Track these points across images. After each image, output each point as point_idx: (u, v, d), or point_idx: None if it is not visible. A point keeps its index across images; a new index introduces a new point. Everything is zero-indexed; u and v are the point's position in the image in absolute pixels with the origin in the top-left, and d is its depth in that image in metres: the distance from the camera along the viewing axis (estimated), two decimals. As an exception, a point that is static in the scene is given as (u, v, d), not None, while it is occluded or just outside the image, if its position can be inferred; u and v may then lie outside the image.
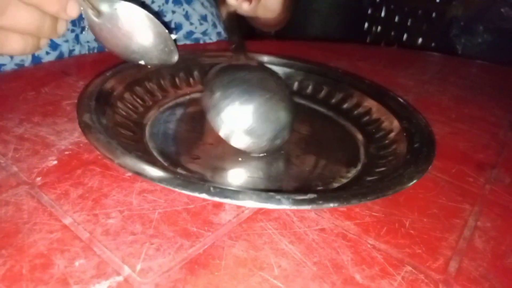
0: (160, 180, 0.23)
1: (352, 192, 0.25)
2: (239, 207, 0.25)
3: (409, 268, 0.23)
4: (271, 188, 0.29)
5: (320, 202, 0.23)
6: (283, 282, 0.20)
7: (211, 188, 0.23)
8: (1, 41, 0.31)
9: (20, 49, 0.32)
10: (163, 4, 0.55)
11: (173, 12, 0.57)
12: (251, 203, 0.23)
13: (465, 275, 0.23)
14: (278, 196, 0.23)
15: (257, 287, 0.20)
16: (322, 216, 0.25)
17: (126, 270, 0.20)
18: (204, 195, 0.23)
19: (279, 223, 0.24)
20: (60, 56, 0.50)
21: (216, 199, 0.23)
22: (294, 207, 0.23)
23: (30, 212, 0.23)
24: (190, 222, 0.23)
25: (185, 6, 0.58)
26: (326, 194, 0.24)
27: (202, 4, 0.60)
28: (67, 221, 0.22)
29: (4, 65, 0.47)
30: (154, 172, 0.24)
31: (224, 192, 0.23)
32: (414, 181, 0.27)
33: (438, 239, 0.25)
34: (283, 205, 0.23)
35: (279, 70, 0.44)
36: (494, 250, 0.25)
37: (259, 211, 0.25)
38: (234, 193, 0.23)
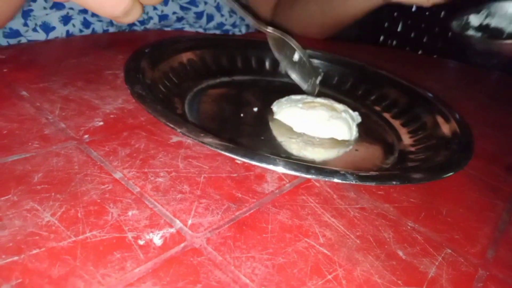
0: (227, 150, 0.24)
1: (411, 173, 0.25)
2: (280, 179, 0.25)
3: (449, 250, 0.23)
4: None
5: (383, 179, 0.24)
6: (329, 250, 0.21)
7: (277, 160, 0.23)
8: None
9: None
10: None
11: (205, 3, 0.57)
12: (319, 177, 0.23)
13: (503, 263, 0.23)
14: (343, 171, 0.23)
15: (305, 252, 0.20)
16: (361, 197, 0.26)
17: (178, 224, 0.20)
18: (271, 166, 0.23)
19: (320, 198, 0.25)
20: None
21: (283, 171, 0.23)
22: (360, 183, 0.23)
23: (81, 164, 0.23)
24: (234, 189, 0.24)
25: None
26: (388, 173, 0.25)
27: None
28: (118, 175, 0.23)
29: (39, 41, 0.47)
30: (219, 142, 0.24)
31: (292, 165, 0.23)
32: (463, 166, 0.28)
33: (475, 229, 0.25)
34: (349, 180, 0.23)
35: (320, 64, 0.45)
36: (529, 243, 0.25)
37: (300, 185, 0.25)
38: (301, 167, 0.23)
